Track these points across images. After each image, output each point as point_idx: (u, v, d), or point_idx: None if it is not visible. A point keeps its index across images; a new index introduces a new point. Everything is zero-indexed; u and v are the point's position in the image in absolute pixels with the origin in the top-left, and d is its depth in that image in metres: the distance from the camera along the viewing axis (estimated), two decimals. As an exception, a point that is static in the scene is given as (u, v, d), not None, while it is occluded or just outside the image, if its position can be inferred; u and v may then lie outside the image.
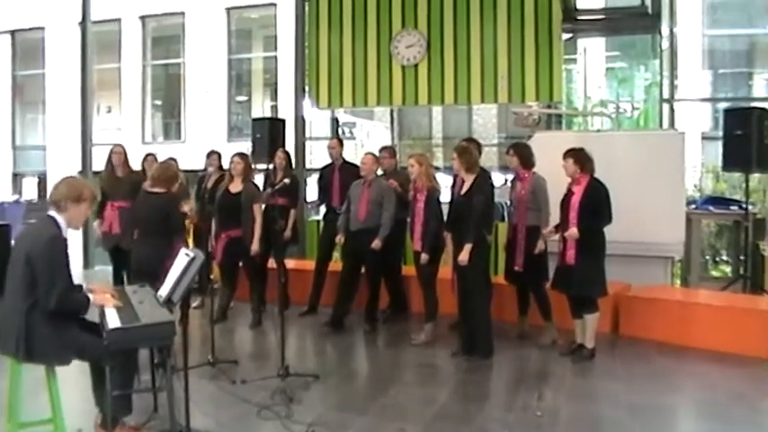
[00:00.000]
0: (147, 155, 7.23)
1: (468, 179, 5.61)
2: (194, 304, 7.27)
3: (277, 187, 5.89)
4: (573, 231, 5.41)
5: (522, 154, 6.09)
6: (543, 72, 8.31)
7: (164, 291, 3.81)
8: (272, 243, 6.74)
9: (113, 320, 3.45)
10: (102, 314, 3.60)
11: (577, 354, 5.63)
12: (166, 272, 3.87)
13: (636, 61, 17.00)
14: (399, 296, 7.17)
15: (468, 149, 5.73)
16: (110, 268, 7.24)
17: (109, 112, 23.18)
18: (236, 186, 6.60)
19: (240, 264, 6.72)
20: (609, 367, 5.52)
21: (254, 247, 6.45)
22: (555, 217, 5.79)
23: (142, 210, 5.43)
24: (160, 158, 6.97)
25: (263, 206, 6.55)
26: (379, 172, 7.01)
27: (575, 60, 17.23)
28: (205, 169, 7.41)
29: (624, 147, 7.29)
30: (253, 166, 7.02)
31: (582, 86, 17.31)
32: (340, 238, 6.62)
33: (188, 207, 6.09)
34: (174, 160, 6.96)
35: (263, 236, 6.55)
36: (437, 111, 22.02)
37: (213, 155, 7.48)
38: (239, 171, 6.57)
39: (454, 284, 5.73)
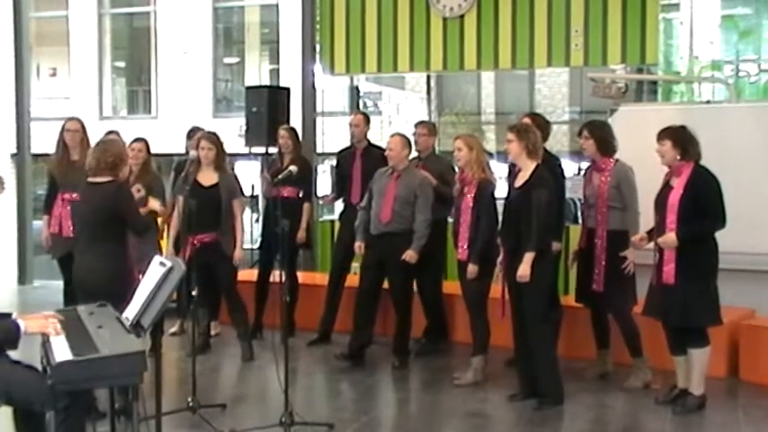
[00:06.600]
0: (108, 133, 7.23)
1: (528, 168, 5.60)
2: (171, 330, 7.32)
3: (280, 177, 5.88)
4: (670, 237, 5.37)
5: (599, 136, 6.06)
6: (632, 24, 8.20)
7: (131, 312, 3.79)
8: (275, 250, 6.76)
9: (62, 352, 3.43)
10: (47, 345, 3.58)
11: (680, 402, 5.55)
12: (123, 291, 3.80)
13: (765, 6, 16.64)
14: (438, 320, 7.16)
15: (528, 129, 5.72)
16: (57, 284, 7.26)
17: (53, 75, 23.32)
18: (208, 178, 6.69)
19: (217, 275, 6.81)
20: (725, 422, 5.43)
21: (238, 254, 6.62)
22: (646, 219, 5.73)
23: (83, 208, 5.36)
24: (126, 139, 6.99)
25: (265, 201, 6.54)
26: (413, 153, 6.99)
27: (677, 6, 16.87)
28: (186, 153, 7.41)
29: (745, 124, 7.18)
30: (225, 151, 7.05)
31: (686, 42, 17.05)
32: (359, 246, 6.65)
33: (157, 204, 6.00)
34: (144, 141, 6.96)
35: (264, 241, 6.55)
36: (488, 78, 21.96)
37: (197, 133, 7.49)
38: (211, 159, 6.68)
39: (505, 307, 5.74)
